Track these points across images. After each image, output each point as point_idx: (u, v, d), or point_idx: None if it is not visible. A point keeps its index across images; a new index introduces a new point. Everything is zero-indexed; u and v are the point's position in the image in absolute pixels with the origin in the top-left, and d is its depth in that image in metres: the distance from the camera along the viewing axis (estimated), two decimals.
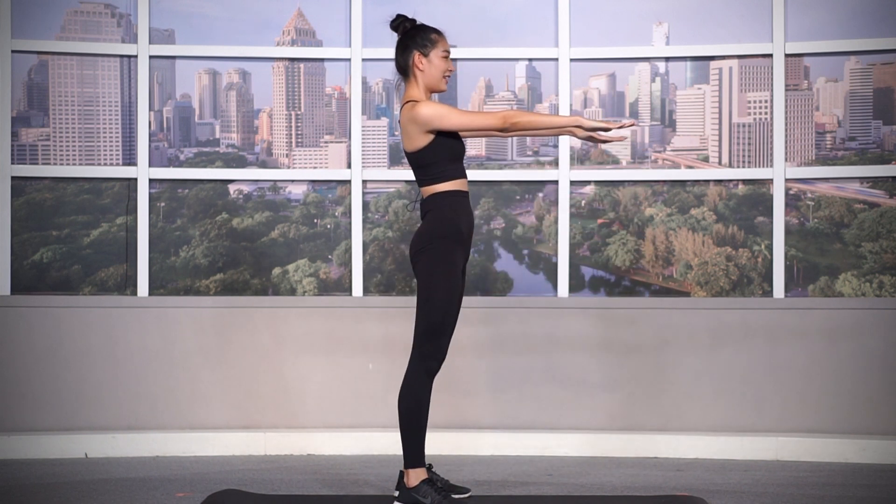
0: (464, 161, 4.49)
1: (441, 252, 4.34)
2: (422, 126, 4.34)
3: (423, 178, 4.42)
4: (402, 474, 4.43)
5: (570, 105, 6.53)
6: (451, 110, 4.37)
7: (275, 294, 6.50)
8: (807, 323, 6.27)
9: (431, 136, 4.36)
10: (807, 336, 6.27)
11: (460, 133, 4.45)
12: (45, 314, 6.32)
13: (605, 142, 4.42)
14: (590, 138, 4.40)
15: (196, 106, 6.64)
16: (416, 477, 4.36)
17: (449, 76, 4.50)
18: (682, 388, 6.30)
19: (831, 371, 6.24)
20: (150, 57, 6.50)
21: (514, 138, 6.63)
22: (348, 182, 6.54)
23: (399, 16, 4.53)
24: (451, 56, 6.59)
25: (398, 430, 4.37)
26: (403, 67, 4.48)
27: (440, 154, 4.38)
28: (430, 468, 4.46)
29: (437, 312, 4.32)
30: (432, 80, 4.46)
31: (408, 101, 4.43)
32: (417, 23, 4.53)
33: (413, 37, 4.47)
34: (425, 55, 4.45)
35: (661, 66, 6.60)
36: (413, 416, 4.33)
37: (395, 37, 4.56)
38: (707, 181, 6.51)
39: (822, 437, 6.04)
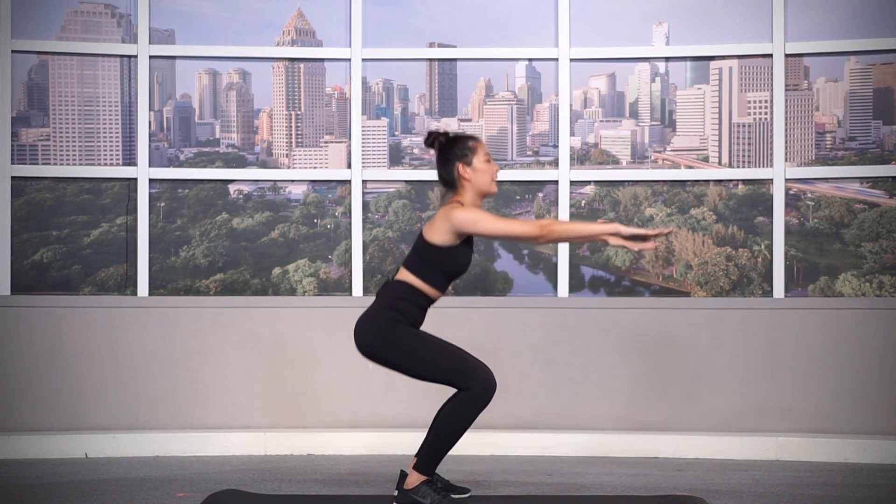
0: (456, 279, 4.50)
1: (393, 331, 4.34)
2: (454, 227, 4.33)
3: (413, 264, 4.41)
4: (402, 474, 4.43)
5: (571, 105, 6.53)
6: (487, 216, 4.34)
7: (275, 294, 6.50)
8: (807, 323, 6.27)
9: (456, 242, 4.36)
10: (807, 336, 6.27)
11: (494, 237, 4.43)
12: (45, 314, 6.32)
13: (639, 248, 4.36)
14: (624, 245, 4.37)
15: (196, 106, 6.64)
16: (416, 478, 4.36)
17: (497, 177, 4.48)
18: (682, 388, 6.30)
19: (831, 371, 6.24)
20: (150, 57, 6.50)
21: (515, 138, 6.64)
22: (348, 182, 6.54)
23: (430, 133, 4.50)
24: (452, 56, 6.63)
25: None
26: (449, 181, 4.45)
27: (445, 262, 4.38)
28: None
29: (442, 360, 4.32)
30: (482, 185, 4.43)
31: (455, 201, 4.42)
32: (451, 134, 4.49)
33: (451, 149, 4.44)
34: (468, 164, 4.42)
35: (661, 66, 6.60)
36: (454, 430, 4.32)
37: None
38: (707, 181, 6.52)
39: (822, 437, 6.04)
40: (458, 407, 4.31)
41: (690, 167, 6.56)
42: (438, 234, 4.36)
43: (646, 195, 6.53)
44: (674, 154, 6.59)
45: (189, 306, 6.39)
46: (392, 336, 4.35)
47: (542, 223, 4.34)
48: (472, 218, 4.32)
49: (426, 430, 4.41)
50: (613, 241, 4.33)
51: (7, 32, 6.40)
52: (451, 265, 4.40)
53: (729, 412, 6.26)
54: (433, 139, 4.48)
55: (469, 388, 4.30)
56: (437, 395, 4.53)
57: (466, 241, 4.42)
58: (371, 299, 6.38)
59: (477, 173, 4.42)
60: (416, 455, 4.41)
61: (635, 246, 4.32)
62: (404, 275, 4.42)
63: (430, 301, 4.44)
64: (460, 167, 4.42)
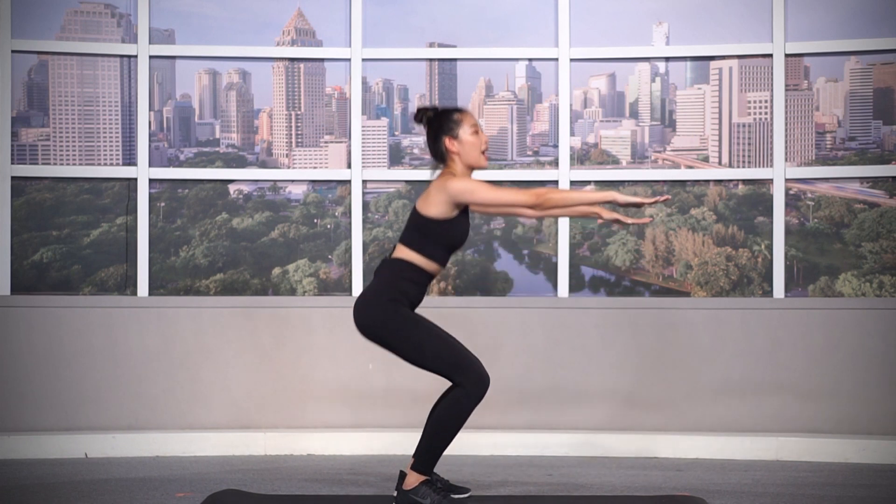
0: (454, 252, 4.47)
1: (394, 315, 4.31)
2: (450, 197, 4.31)
3: (410, 239, 4.38)
4: (401, 474, 4.43)
5: (571, 105, 6.53)
6: (483, 185, 4.33)
7: (275, 294, 6.51)
8: (807, 323, 6.27)
9: (454, 213, 4.34)
10: (807, 336, 6.27)
11: (490, 209, 4.41)
12: (45, 314, 6.32)
13: (631, 223, 4.38)
14: (617, 220, 4.36)
15: (196, 106, 6.65)
16: (415, 478, 4.36)
17: (486, 149, 4.46)
18: (682, 388, 6.30)
19: (831, 371, 6.24)
20: (150, 57, 6.50)
21: (515, 138, 6.64)
22: (348, 182, 6.54)
23: (419, 108, 4.50)
24: (452, 56, 6.63)
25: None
26: (438, 155, 4.45)
27: (444, 234, 4.36)
28: None
29: (441, 351, 4.31)
30: (471, 159, 4.42)
31: (447, 173, 4.41)
32: (439, 108, 4.49)
33: (438, 123, 4.44)
34: (455, 137, 4.41)
35: (661, 66, 6.60)
36: (449, 427, 4.31)
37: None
38: (707, 181, 6.52)
39: (822, 437, 6.04)
40: (451, 404, 4.30)
41: (690, 167, 6.56)
42: (434, 206, 4.34)
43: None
44: (674, 154, 6.59)
45: (189, 306, 6.39)
46: (393, 321, 4.31)
47: (539, 192, 4.33)
48: (468, 187, 4.31)
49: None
50: (607, 214, 4.36)
51: (7, 32, 6.40)
52: (450, 237, 4.38)
53: (729, 412, 6.26)
54: (421, 115, 4.48)
55: (462, 383, 4.28)
56: (437, 395, 4.52)
57: (463, 210, 4.40)
58: None
59: (465, 146, 4.41)
60: (414, 455, 4.40)
61: (628, 219, 4.33)
62: (402, 251, 4.38)
63: (431, 277, 4.40)
64: (447, 141, 4.41)
